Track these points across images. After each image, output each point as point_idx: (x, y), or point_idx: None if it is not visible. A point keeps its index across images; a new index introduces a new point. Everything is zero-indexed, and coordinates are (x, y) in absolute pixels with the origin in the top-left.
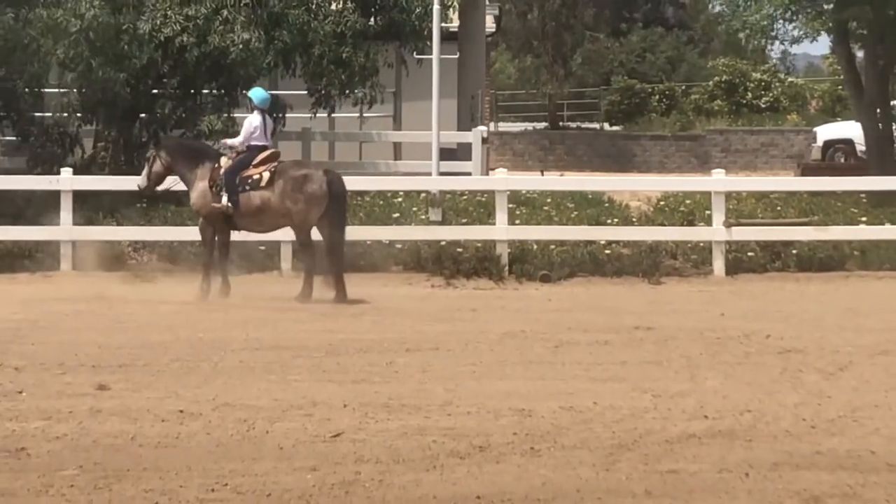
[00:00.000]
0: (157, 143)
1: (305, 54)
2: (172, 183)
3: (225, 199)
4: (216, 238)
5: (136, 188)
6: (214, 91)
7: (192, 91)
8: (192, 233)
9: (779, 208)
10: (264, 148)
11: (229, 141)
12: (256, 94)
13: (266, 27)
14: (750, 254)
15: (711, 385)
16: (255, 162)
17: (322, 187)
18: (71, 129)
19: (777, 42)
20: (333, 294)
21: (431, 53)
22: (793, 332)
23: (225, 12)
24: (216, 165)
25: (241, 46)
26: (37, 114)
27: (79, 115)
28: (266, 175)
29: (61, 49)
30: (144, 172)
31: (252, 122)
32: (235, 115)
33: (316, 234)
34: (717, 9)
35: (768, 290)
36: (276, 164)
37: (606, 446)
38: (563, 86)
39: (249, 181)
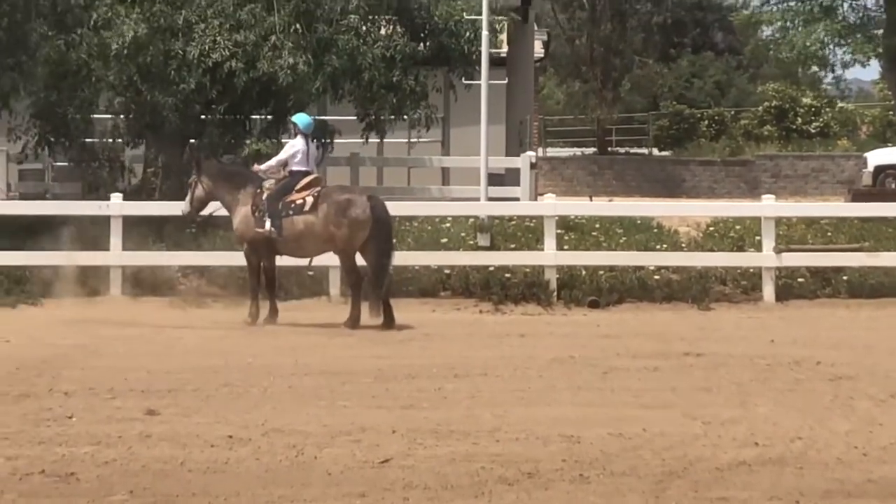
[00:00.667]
0: (198, 168)
1: (355, 79)
2: (216, 208)
3: (268, 224)
4: (262, 263)
5: (181, 213)
6: (264, 117)
7: (241, 116)
8: (240, 258)
9: (829, 234)
10: (307, 173)
11: (262, 167)
12: (301, 119)
13: (315, 52)
14: (800, 280)
15: (762, 412)
16: (297, 187)
17: (365, 212)
18: (120, 154)
19: (828, 67)
20: (381, 320)
21: (480, 79)
22: (844, 359)
23: (273, 38)
24: (258, 190)
25: (288, 71)
26: (87, 139)
27: (127, 140)
28: (309, 200)
29: (111, 72)
30: (187, 198)
31: (294, 146)
32: (285, 140)
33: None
34: (767, 33)
35: (819, 317)
36: (318, 188)
37: (656, 473)
38: (612, 111)
39: (293, 206)
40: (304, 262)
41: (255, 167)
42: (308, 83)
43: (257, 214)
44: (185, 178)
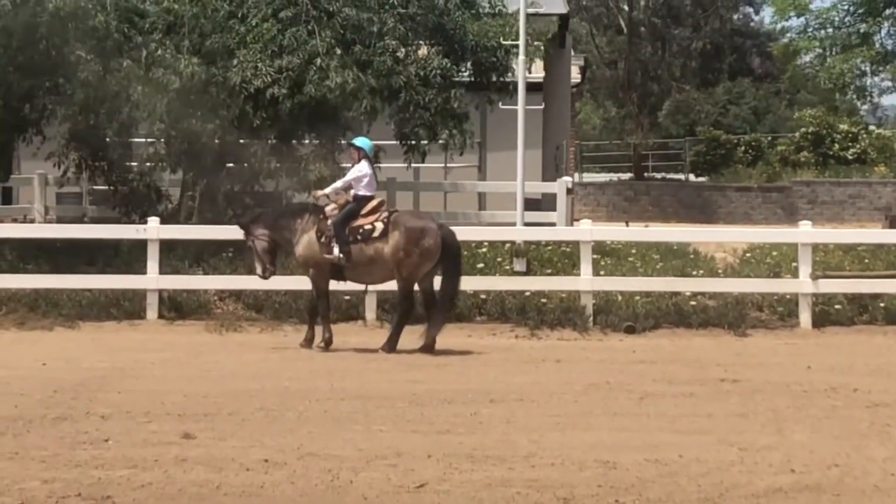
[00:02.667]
0: (246, 230)
1: (392, 101)
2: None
3: (336, 250)
4: (328, 286)
5: (261, 276)
6: (313, 141)
7: (290, 141)
8: (277, 282)
9: (866, 261)
10: (372, 198)
11: (326, 190)
12: (364, 142)
13: (355, 69)
14: (837, 306)
15: (798, 438)
16: (363, 212)
17: (437, 242)
18: (158, 178)
19: (866, 96)
20: (422, 343)
21: (517, 103)
22: (880, 386)
23: (318, 60)
24: (321, 216)
25: (337, 92)
26: (125, 163)
27: (165, 165)
28: (379, 226)
29: (160, 104)
30: (256, 260)
31: (360, 169)
32: (345, 165)
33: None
34: (806, 60)
35: (855, 343)
36: (387, 213)
37: (692, 500)
38: (649, 136)
39: (361, 232)
40: (339, 285)
41: (318, 192)
42: (355, 100)
43: (323, 240)
44: (222, 203)
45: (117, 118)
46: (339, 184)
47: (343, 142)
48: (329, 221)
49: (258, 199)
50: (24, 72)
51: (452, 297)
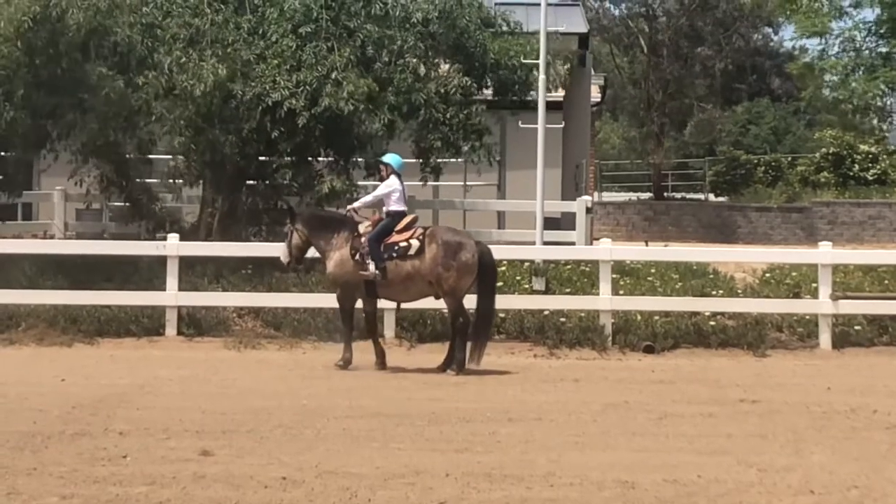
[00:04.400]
0: (292, 216)
1: (412, 117)
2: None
3: (372, 267)
4: (364, 308)
5: (283, 264)
6: (329, 157)
7: (307, 157)
8: (296, 299)
9: (886, 282)
10: (404, 213)
11: (357, 204)
12: (393, 158)
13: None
14: (857, 327)
15: (818, 460)
16: (397, 228)
17: (474, 257)
18: (178, 194)
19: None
20: (478, 365)
21: (537, 122)
22: None
23: (335, 74)
24: (355, 233)
25: (353, 101)
26: (145, 180)
27: (186, 180)
28: (415, 243)
29: (177, 112)
30: (285, 247)
31: (391, 185)
32: (375, 182)
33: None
34: (827, 79)
35: (875, 365)
36: (421, 229)
37: None
38: (670, 155)
39: (396, 248)
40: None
41: (350, 206)
42: (374, 115)
43: (357, 258)
44: (242, 219)
45: (138, 133)
46: (369, 198)
47: (360, 159)
48: (363, 238)
49: (278, 215)
50: (46, 88)
51: (490, 317)
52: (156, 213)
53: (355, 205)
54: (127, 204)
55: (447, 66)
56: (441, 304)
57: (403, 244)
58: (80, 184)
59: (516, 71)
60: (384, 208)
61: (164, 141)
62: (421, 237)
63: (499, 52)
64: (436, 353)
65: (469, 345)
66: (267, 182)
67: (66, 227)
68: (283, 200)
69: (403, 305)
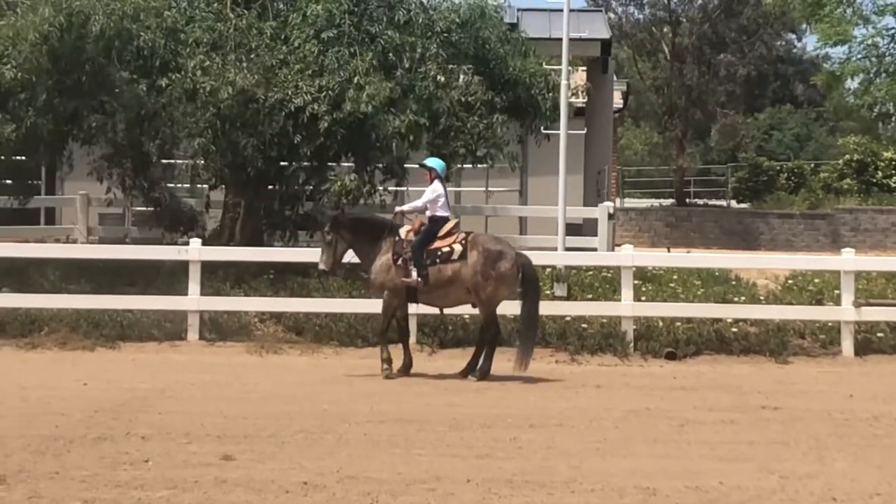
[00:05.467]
0: (333, 222)
1: (433, 125)
2: (351, 257)
3: (415, 273)
4: (398, 312)
5: (322, 269)
6: (350, 162)
7: (326, 162)
8: (318, 304)
9: None
10: (447, 219)
11: (405, 207)
12: (436, 163)
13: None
14: (880, 334)
15: (840, 467)
16: (440, 234)
17: (514, 267)
18: (200, 199)
19: None
20: (524, 371)
21: (558, 128)
22: None
23: (357, 79)
24: (397, 238)
25: (374, 103)
26: (167, 184)
27: (203, 178)
28: (458, 248)
29: (205, 116)
30: (326, 253)
31: (436, 190)
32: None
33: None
34: (850, 84)
35: None
36: (464, 235)
37: None
38: (693, 161)
39: (439, 254)
40: (378, 308)
41: (398, 209)
42: (395, 117)
43: (400, 263)
44: (264, 223)
45: (160, 136)
46: (418, 203)
47: (381, 165)
48: (405, 244)
49: (300, 220)
50: (68, 93)
51: (535, 324)
52: (179, 217)
53: (404, 208)
54: (149, 208)
55: (466, 77)
56: (461, 310)
57: (446, 249)
58: (102, 181)
59: (534, 80)
60: (427, 213)
61: (184, 143)
62: (463, 241)
63: (520, 69)
64: (457, 358)
65: (517, 352)
66: (286, 187)
67: (88, 231)
68: (304, 205)
69: (412, 311)
